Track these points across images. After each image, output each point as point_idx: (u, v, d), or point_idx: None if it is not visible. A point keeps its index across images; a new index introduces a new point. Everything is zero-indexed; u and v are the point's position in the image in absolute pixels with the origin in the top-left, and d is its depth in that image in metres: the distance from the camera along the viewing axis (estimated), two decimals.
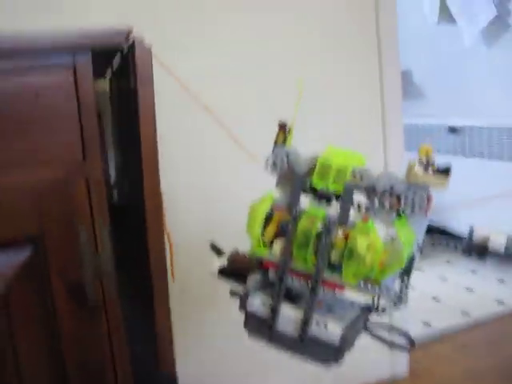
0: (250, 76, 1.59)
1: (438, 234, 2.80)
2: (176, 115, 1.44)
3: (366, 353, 1.92)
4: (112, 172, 1.40)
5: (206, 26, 1.55)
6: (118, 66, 1.22)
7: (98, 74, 1.33)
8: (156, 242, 1.08)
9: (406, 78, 3.70)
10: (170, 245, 1.12)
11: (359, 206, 0.87)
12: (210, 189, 1.56)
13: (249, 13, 1.60)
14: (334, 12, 1.73)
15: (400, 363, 2.02)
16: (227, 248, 1.01)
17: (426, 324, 2.39)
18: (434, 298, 2.67)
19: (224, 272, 0.96)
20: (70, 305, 1.02)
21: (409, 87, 3.70)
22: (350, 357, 1.93)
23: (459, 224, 3.02)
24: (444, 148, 3.23)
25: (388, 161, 1.88)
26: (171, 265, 1.13)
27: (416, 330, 2.30)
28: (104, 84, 1.39)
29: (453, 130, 3.15)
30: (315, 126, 1.62)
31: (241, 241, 0.94)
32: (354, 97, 1.80)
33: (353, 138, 1.75)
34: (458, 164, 3.03)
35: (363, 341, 1.80)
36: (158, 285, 1.07)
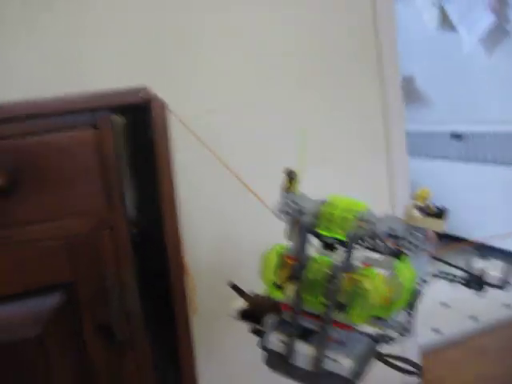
0: (258, 126, 1.69)
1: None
2: (192, 166, 1.54)
3: (376, 363, 2.00)
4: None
5: (216, 85, 1.64)
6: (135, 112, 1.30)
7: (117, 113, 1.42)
8: (177, 276, 1.16)
9: (409, 83, 3.77)
10: (191, 280, 1.20)
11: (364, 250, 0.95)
12: (227, 234, 1.65)
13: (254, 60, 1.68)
14: (333, 24, 1.81)
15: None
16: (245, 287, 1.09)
17: (436, 330, 2.46)
18: (443, 304, 2.73)
19: (243, 313, 1.04)
20: (100, 343, 1.11)
21: (411, 93, 3.77)
22: None
23: (465, 228, 3.08)
24: (447, 154, 3.29)
25: (392, 169, 1.94)
26: (192, 299, 1.21)
27: (426, 337, 2.37)
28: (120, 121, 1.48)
29: (456, 136, 3.21)
30: (317, 138, 1.71)
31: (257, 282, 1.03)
32: (355, 106, 1.87)
33: (356, 149, 1.84)
34: (461, 170, 3.12)
35: None
36: (181, 320, 1.15)
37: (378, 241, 0.95)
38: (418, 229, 0.93)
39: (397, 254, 0.96)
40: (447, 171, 3.26)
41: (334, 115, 1.81)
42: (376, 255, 0.97)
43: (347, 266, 0.92)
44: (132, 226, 1.45)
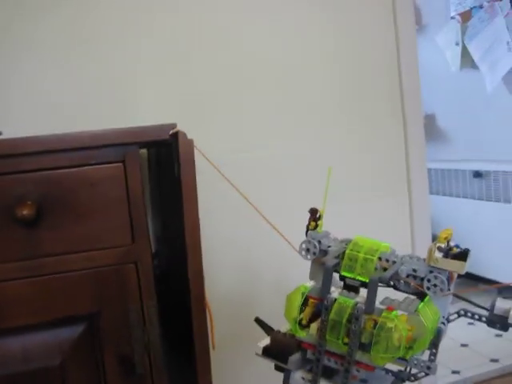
0: (284, 166, 1.73)
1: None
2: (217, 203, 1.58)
3: None
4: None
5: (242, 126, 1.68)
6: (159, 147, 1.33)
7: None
8: (198, 310, 1.16)
9: (431, 121, 3.79)
10: (210, 315, 1.21)
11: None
12: (247, 270, 1.67)
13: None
14: (359, 63, 1.83)
15: None
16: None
17: (456, 372, 2.42)
18: (463, 345, 2.70)
19: (267, 350, 1.04)
20: (120, 375, 1.12)
21: (433, 131, 3.79)
22: None
23: (487, 267, 3.06)
24: (469, 192, 3.29)
25: (413, 208, 1.94)
26: (212, 333, 1.22)
27: (446, 379, 2.33)
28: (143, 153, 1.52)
29: (477, 174, 3.21)
30: (340, 177, 1.73)
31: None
32: (378, 144, 1.88)
33: (378, 187, 1.84)
34: (483, 208, 3.11)
35: None
36: (201, 355, 1.15)
37: (400, 281, 0.96)
38: (440, 270, 0.94)
39: (419, 295, 0.96)
40: (468, 209, 3.25)
41: (358, 154, 1.82)
42: (399, 294, 0.97)
43: (370, 308, 0.92)
44: (156, 260, 1.48)
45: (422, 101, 1.95)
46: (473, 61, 3.36)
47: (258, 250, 1.66)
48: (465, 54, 3.41)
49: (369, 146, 1.84)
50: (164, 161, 1.36)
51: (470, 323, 2.90)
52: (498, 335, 2.74)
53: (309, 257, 1.02)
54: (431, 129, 3.81)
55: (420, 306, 0.93)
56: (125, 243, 1.10)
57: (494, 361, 2.50)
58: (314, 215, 1.03)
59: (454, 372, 2.42)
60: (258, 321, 1.11)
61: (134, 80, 1.56)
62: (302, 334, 0.99)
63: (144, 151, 1.49)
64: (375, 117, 1.85)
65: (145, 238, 1.11)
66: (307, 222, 1.04)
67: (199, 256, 1.14)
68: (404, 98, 1.90)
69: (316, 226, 1.03)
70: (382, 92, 1.86)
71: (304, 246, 1.02)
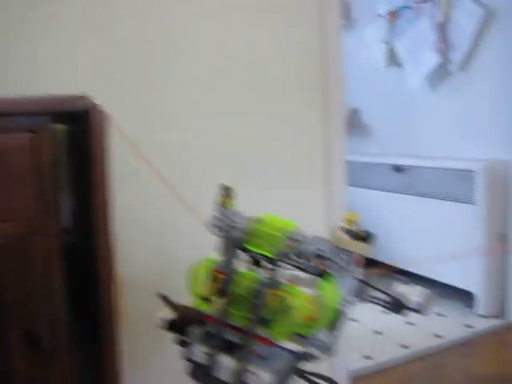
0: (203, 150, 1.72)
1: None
2: (130, 178, 1.55)
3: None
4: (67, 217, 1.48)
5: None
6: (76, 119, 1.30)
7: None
8: (106, 285, 1.15)
9: (355, 115, 3.88)
10: (121, 289, 1.20)
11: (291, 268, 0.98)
12: (162, 248, 1.66)
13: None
14: (281, 49, 1.85)
15: None
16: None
17: (367, 357, 2.50)
18: (376, 332, 2.79)
19: (170, 323, 1.05)
20: (26, 350, 1.09)
21: (357, 125, 3.88)
22: None
23: (396, 256, 3.18)
24: (388, 185, 3.39)
25: (330, 195, 1.98)
26: (123, 307, 1.21)
27: (357, 363, 2.40)
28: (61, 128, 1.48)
29: (397, 168, 3.31)
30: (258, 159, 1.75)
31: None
32: (298, 131, 1.91)
33: (296, 172, 1.87)
34: (399, 201, 3.21)
35: None
36: (108, 328, 1.15)
37: (305, 260, 0.99)
38: (344, 251, 0.97)
39: (323, 275, 0.99)
40: (385, 202, 3.35)
41: (278, 142, 1.84)
42: (303, 274, 1.00)
43: (273, 283, 0.94)
44: (66, 234, 1.45)
45: (345, 94, 2.00)
46: (399, 59, 3.46)
47: (172, 230, 1.66)
48: (391, 51, 3.51)
49: (289, 136, 1.87)
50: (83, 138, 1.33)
51: (383, 311, 3.00)
52: (409, 323, 2.85)
53: (218, 233, 1.03)
54: (355, 123, 3.90)
55: (322, 285, 0.96)
56: (32, 215, 1.07)
57: (405, 347, 2.60)
58: (226, 192, 1.04)
59: (366, 357, 2.50)
60: (163, 297, 1.11)
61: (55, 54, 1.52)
62: (204, 307, 0.99)
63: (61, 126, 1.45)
64: (297, 107, 1.88)
65: (54, 211, 1.09)
66: (217, 199, 1.05)
67: (108, 229, 1.13)
68: (327, 90, 1.94)
69: (227, 203, 1.04)
70: (305, 83, 1.89)
71: (212, 220, 1.03)
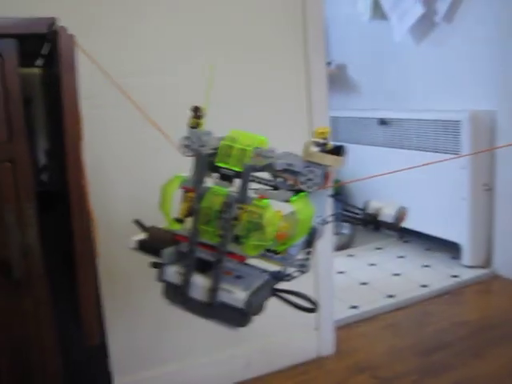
0: (172, 67, 1.69)
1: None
2: (101, 101, 1.52)
3: (292, 335, 2.04)
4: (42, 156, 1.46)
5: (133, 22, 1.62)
6: (48, 55, 1.27)
7: (31, 62, 1.39)
8: (80, 218, 1.13)
9: (342, 71, 3.85)
10: (94, 221, 1.18)
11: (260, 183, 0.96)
12: (135, 170, 1.64)
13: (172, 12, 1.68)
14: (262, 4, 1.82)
15: (326, 343, 2.13)
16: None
17: (354, 307, 2.51)
18: (362, 283, 2.80)
19: (143, 246, 1.03)
20: None
21: (344, 80, 3.85)
22: (277, 339, 2.03)
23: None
24: (376, 140, 3.38)
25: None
26: (96, 240, 1.19)
27: (344, 313, 2.42)
28: (36, 71, 1.45)
29: (383, 122, 3.30)
30: (236, 112, 1.73)
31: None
32: (279, 86, 1.88)
33: (278, 127, 1.85)
34: (389, 155, 3.20)
35: (290, 325, 1.90)
36: (83, 258, 1.13)
37: (276, 177, 0.97)
38: (316, 165, 0.95)
39: (296, 191, 0.97)
40: (373, 156, 3.32)
41: (264, 102, 1.83)
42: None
43: (242, 197, 0.93)
44: (41, 170, 1.43)
45: (326, 50, 1.96)
46: (383, 11, 3.42)
47: (145, 157, 1.64)
48: (375, 3, 3.46)
49: (270, 95, 1.84)
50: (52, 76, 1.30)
51: (371, 264, 3.02)
52: (395, 274, 2.86)
53: (187, 153, 1.01)
54: (342, 78, 3.86)
55: (294, 198, 0.94)
56: None
57: (391, 296, 2.62)
58: (196, 113, 1.02)
59: (352, 307, 2.51)
60: (137, 222, 1.10)
61: None
62: (176, 227, 0.98)
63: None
64: (278, 64, 1.85)
65: (22, 137, 1.06)
66: (188, 120, 1.03)
67: (79, 159, 1.10)
68: (308, 46, 1.91)
69: (197, 124, 1.02)
70: (286, 39, 1.86)
71: (182, 141, 1.01)
